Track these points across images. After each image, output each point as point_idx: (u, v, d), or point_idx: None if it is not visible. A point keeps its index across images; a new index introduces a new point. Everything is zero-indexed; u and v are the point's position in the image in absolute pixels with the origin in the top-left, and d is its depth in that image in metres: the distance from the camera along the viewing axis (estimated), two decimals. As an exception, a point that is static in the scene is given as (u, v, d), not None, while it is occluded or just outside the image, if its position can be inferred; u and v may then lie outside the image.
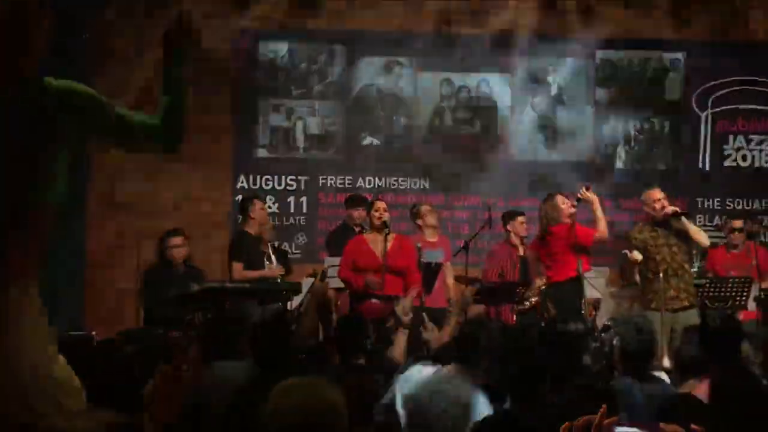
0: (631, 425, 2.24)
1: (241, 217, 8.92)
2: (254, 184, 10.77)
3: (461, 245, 8.96)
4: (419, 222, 8.82)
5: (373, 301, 7.35)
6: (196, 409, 4.26)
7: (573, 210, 8.09)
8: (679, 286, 7.75)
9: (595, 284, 8.88)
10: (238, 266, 8.40)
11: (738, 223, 9.06)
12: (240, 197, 9.90)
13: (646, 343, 4.67)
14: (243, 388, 4.12)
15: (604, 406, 2.21)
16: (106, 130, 2.81)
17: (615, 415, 2.19)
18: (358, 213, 8.78)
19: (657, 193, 8.00)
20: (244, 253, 8.51)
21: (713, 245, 8.96)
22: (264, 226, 8.66)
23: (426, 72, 11.06)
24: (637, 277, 8.02)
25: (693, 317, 7.72)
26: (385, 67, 11.04)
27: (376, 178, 10.87)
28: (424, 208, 8.89)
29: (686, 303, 7.75)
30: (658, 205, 7.88)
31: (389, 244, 7.49)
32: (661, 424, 2.31)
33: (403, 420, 4.54)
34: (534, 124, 11.19)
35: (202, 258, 8.92)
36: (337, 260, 8.00)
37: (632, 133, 11.27)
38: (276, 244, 9.36)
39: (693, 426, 2.29)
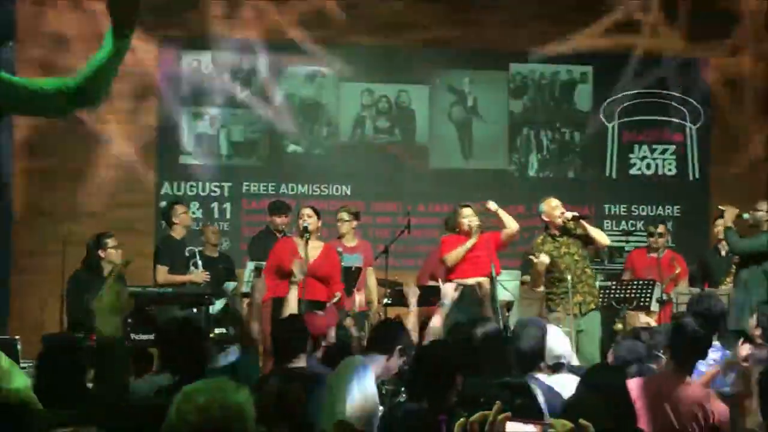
0: (524, 422, 2.30)
1: (165, 222, 9.14)
2: (179, 190, 10.91)
3: (382, 250, 9.28)
4: (339, 225, 9.02)
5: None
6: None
7: (476, 223, 8.47)
8: (584, 291, 8.18)
9: (508, 287, 9.32)
10: (162, 270, 8.66)
11: (661, 228, 9.52)
12: (164, 203, 10.08)
13: (540, 342, 4.93)
14: (152, 399, 3.94)
15: (498, 403, 2.22)
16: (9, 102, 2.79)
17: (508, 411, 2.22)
18: (281, 219, 9.08)
19: (554, 201, 8.42)
20: (169, 258, 8.73)
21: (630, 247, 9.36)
22: (189, 228, 8.89)
23: (347, 82, 11.35)
24: (542, 286, 8.35)
25: (596, 319, 8.24)
26: (307, 77, 11.29)
27: (299, 185, 11.12)
28: (342, 213, 9.09)
29: (592, 306, 8.20)
30: (557, 212, 8.28)
31: (317, 252, 7.67)
32: (551, 420, 2.41)
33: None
34: (451, 133, 11.56)
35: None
36: (259, 264, 8.19)
37: (544, 142, 11.72)
38: (219, 249, 9.66)
39: (581, 421, 2.36)
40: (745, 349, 5.19)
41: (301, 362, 5.06)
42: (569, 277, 8.02)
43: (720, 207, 8.70)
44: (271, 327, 5.66)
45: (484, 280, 8.36)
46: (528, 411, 2.53)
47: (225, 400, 2.37)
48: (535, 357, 4.88)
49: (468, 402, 2.99)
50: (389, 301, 8.95)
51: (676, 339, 4.71)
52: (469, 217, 8.50)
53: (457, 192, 10.83)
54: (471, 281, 8.28)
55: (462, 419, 2.26)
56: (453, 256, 8.35)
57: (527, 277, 9.13)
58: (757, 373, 4.26)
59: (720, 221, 8.83)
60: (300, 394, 3.93)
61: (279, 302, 7.14)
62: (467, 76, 11.57)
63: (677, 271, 9.21)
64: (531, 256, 8.30)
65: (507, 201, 11.11)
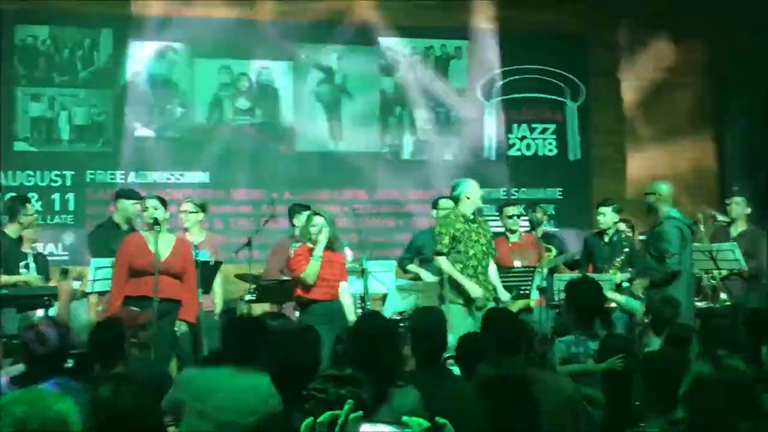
0: (379, 421, 2.27)
1: (8, 216, 8.45)
2: (14, 180, 10.23)
3: (245, 242, 8.90)
4: (183, 219, 8.52)
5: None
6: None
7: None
8: (485, 281, 7.90)
9: (383, 278, 9.02)
10: None
11: (512, 210, 9.27)
12: (11, 195, 9.30)
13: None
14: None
15: (350, 402, 2.23)
16: None
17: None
18: (132, 209, 8.48)
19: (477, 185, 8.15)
20: (2, 257, 8.11)
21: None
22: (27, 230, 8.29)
23: (202, 58, 10.89)
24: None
25: None
26: (157, 53, 10.76)
27: (150, 172, 10.58)
28: (186, 205, 8.58)
29: (489, 302, 7.87)
30: (479, 197, 8.03)
31: (170, 245, 7.22)
32: (405, 419, 2.34)
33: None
34: (318, 113, 11.21)
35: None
36: (103, 262, 7.65)
37: (418, 123, 11.48)
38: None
39: (438, 419, 2.34)
40: None
41: (122, 367, 4.88)
42: (474, 266, 7.80)
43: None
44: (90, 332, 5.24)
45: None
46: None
47: (45, 410, 2.35)
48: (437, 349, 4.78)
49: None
50: (253, 297, 8.67)
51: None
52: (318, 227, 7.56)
53: (326, 177, 10.82)
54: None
55: (309, 419, 2.26)
56: (311, 271, 7.46)
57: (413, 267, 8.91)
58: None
59: (604, 209, 8.75)
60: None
61: (132, 302, 6.78)
62: (335, 52, 11.26)
63: (553, 253, 9.07)
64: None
65: (380, 186, 11.02)
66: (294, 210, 8.99)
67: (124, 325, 5.23)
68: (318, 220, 7.55)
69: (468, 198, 7.97)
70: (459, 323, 7.28)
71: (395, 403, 3.90)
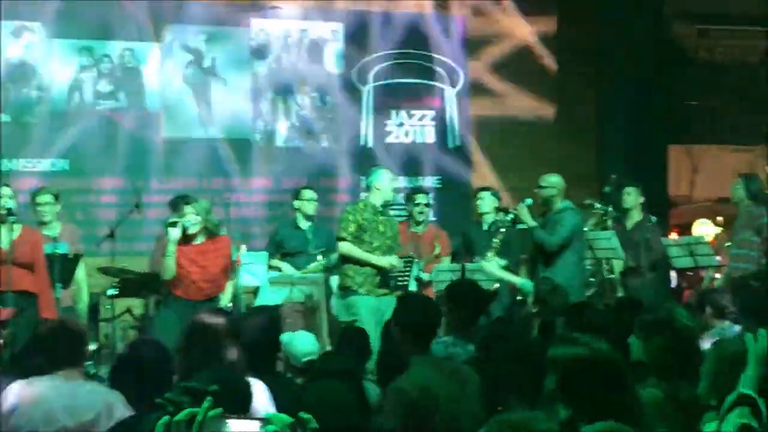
0: (239, 417, 2.29)
1: None
2: None
3: (107, 233, 8.67)
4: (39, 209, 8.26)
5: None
6: None
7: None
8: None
9: (255, 271, 8.91)
10: None
11: (421, 198, 9.22)
12: None
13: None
14: None
15: (209, 399, 2.23)
16: None
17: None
18: None
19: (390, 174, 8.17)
20: None
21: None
22: None
23: (60, 39, 10.57)
24: None
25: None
26: (12, 34, 10.37)
27: (5, 160, 10.14)
28: (43, 196, 8.29)
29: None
30: (392, 186, 8.07)
31: (15, 236, 6.96)
32: (267, 414, 2.35)
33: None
34: (187, 98, 10.98)
35: None
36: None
37: (292, 108, 11.35)
38: None
39: (301, 415, 2.34)
40: None
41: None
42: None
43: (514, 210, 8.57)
44: None
45: None
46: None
47: None
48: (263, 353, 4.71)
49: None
50: (116, 292, 8.58)
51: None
52: (189, 215, 7.38)
53: (195, 165, 10.67)
54: None
55: (165, 418, 2.26)
56: (164, 267, 7.28)
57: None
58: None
59: (482, 194, 8.82)
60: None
61: None
62: (204, 33, 11.06)
63: (436, 252, 9.02)
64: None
65: (253, 174, 10.90)
66: (176, 203, 8.70)
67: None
68: (189, 208, 7.40)
69: (377, 189, 7.96)
70: (367, 314, 7.42)
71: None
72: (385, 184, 7.97)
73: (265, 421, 2.29)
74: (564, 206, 8.19)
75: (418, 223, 9.14)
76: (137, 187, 9.75)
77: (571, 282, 7.65)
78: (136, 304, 9.14)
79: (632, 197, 9.06)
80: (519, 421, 2.52)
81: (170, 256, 7.17)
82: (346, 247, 7.79)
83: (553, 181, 8.30)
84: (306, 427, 2.36)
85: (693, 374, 3.65)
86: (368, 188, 8.07)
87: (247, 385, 3.35)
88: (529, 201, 8.30)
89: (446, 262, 8.98)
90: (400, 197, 10.40)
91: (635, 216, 9.05)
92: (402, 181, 11.38)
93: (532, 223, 8.09)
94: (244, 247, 8.66)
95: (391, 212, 8.61)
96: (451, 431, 4.05)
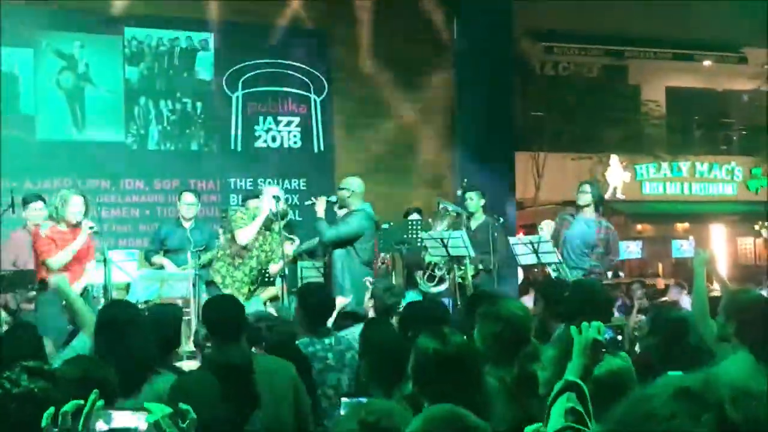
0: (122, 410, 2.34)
1: None
2: None
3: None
4: None
5: None
6: None
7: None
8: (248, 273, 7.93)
9: (126, 267, 8.78)
10: None
11: (256, 203, 9.20)
12: None
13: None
14: None
15: (96, 392, 2.25)
16: None
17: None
18: None
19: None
20: None
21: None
22: None
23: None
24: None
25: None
26: None
27: None
28: None
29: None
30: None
31: None
32: (146, 404, 2.39)
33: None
34: (61, 101, 10.73)
35: None
36: None
37: (164, 113, 11.20)
38: None
39: (181, 405, 2.40)
40: None
41: None
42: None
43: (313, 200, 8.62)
44: None
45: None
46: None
47: None
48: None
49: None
50: None
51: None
52: (79, 207, 7.49)
53: (69, 166, 10.40)
54: None
55: (51, 408, 2.25)
56: (59, 259, 7.35)
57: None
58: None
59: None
60: None
61: None
62: (78, 40, 10.83)
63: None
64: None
65: (125, 175, 10.73)
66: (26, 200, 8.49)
67: None
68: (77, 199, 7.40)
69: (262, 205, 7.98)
70: None
71: (147, 390, 3.86)
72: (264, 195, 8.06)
73: (147, 411, 2.31)
74: (358, 209, 8.28)
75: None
76: (11, 188, 9.44)
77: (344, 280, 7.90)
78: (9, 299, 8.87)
79: (475, 201, 9.16)
80: (376, 408, 2.62)
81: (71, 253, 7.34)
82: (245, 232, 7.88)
83: (350, 183, 8.42)
84: (186, 417, 2.40)
85: (526, 360, 3.77)
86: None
87: (113, 375, 3.31)
88: (333, 198, 8.43)
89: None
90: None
91: (479, 218, 9.20)
92: (270, 183, 11.37)
93: (320, 215, 8.21)
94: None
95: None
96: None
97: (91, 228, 7.52)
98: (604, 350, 3.09)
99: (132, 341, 4.07)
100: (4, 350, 3.97)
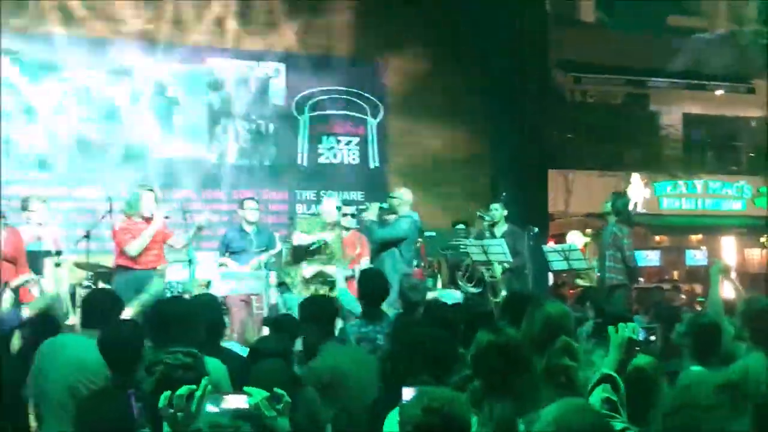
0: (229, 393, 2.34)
1: None
2: None
3: (83, 234, 8.60)
4: (25, 215, 8.17)
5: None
6: None
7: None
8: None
9: (207, 267, 8.88)
10: None
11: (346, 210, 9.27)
12: None
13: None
14: None
15: (207, 379, 2.29)
16: None
17: None
18: None
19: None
20: None
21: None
22: None
23: (47, 71, 10.33)
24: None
25: None
26: (3, 65, 10.04)
27: (-4, 171, 9.98)
28: (34, 203, 8.24)
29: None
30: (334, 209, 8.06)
31: (2, 236, 6.84)
32: (246, 389, 2.46)
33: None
34: (153, 123, 10.85)
35: None
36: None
37: (241, 133, 11.31)
38: None
39: (276, 390, 2.47)
40: None
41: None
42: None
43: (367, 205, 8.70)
44: None
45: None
46: (194, 373, 2.51)
47: None
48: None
49: (149, 373, 2.79)
50: (90, 284, 8.47)
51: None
52: (152, 202, 7.67)
53: (159, 177, 10.28)
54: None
55: (167, 393, 2.24)
56: (136, 246, 7.49)
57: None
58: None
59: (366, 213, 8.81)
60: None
61: None
62: (168, 69, 10.95)
63: (357, 251, 9.07)
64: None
65: (207, 186, 10.84)
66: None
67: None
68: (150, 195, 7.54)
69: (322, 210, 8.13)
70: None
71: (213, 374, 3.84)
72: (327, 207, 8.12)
73: (247, 394, 2.36)
74: (405, 215, 8.31)
75: (345, 230, 9.16)
76: (110, 197, 9.58)
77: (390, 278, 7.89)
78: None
79: (498, 212, 9.07)
80: (438, 395, 2.60)
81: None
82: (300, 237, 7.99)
83: (400, 193, 8.47)
84: (281, 400, 2.42)
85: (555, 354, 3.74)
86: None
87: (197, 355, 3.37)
88: (383, 204, 8.47)
89: (365, 262, 9.04)
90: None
91: (502, 226, 9.07)
92: (331, 195, 11.41)
93: (373, 219, 8.27)
94: None
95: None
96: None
97: (166, 217, 7.67)
98: (637, 348, 3.11)
99: (184, 331, 3.99)
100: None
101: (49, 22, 10.27)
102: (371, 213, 8.31)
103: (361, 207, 11.14)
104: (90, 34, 10.48)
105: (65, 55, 10.36)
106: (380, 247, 8.25)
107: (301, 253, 8.03)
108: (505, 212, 9.11)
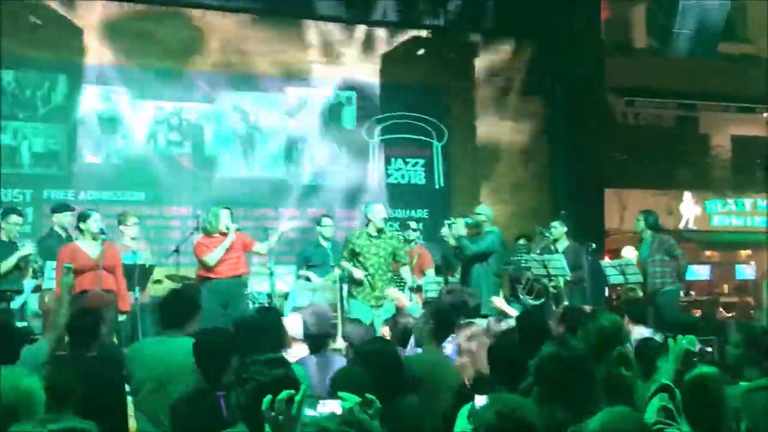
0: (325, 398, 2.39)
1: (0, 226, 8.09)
2: (-18, 196, 9.81)
3: (173, 249, 8.75)
4: (121, 229, 8.37)
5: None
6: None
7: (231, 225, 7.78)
8: (382, 287, 7.85)
9: (286, 279, 8.96)
10: None
11: (411, 224, 9.34)
12: (1, 210, 8.65)
13: (324, 326, 4.80)
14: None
15: (306, 384, 2.33)
16: None
17: None
18: (67, 219, 8.17)
19: (380, 206, 8.15)
20: None
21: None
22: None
23: (141, 100, 10.58)
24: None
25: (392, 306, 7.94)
26: (103, 95, 10.43)
27: (97, 191, 10.22)
28: (130, 219, 8.43)
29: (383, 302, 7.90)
30: (381, 216, 7.99)
31: (100, 248, 7.01)
32: (341, 394, 2.41)
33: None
34: (236, 146, 11.01)
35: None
36: (53, 264, 7.35)
37: (316, 155, 11.37)
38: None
39: (368, 396, 2.39)
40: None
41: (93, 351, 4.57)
42: (370, 272, 7.82)
43: (448, 221, 8.66)
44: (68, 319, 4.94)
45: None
46: (287, 382, 2.50)
47: (16, 384, 2.23)
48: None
49: (240, 379, 2.77)
50: None
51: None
52: (226, 219, 7.75)
53: (240, 198, 10.50)
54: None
55: (268, 397, 2.26)
56: (213, 257, 7.60)
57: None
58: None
59: (446, 230, 8.71)
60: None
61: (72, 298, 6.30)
62: (249, 97, 11.11)
63: (415, 260, 9.03)
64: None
65: (284, 205, 10.94)
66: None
67: (100, 311, 4.88)
68: (226, 213, 7.67)
69: (370, 219, 7.99)
70: (358, 313, 7.34)
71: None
72: (375, 215, 8.00)
73: (341, 399, 2.36)
74: (490, 230, 8.33)
75: (408, 242, 9.12)
76: (197, 214, 9.76)
77: (484, 289, 7.77)
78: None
79: (558, 230, 9.03)
80: (510, 401, 2.59)
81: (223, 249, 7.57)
82: (342, 264, 7.99)
83: (485, 210, 8.51)
84: (372, 405, 2.40)
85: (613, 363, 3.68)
86: (366, 219, 8.11)
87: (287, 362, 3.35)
88: (468, 220, 8.43)
89: (430, 274, 9.01)
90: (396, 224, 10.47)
91: (563, 242, 9.03)
92: (398, 213, 11.43)
93: (462, 233, 8.27)
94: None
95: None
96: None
97: (238, 229, 7.73)
98: (695, 359, 3.03)
99: (268, 341, 4.05)
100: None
101: (145, 55, 10.54)
102: (459, 228, 8.32)
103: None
104: (181, 67, 10.71)
105: (159, 86, 10.60)
106: (471, 261, 8.26)
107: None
108: (565, 229, 9.03)
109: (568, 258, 8.57)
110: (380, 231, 7.96)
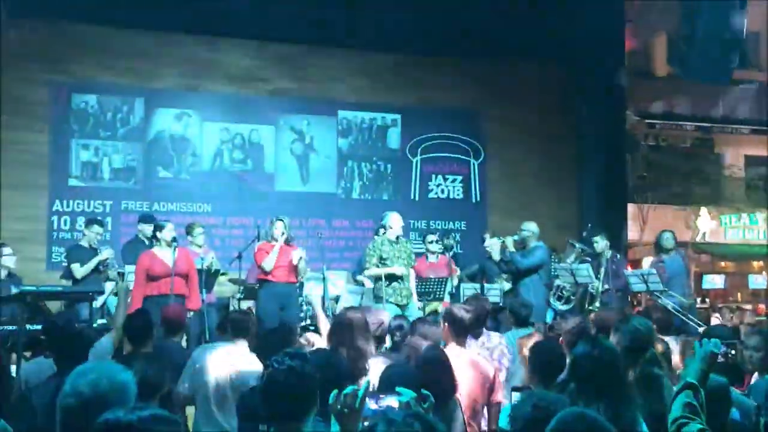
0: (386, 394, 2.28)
1: (84, 234, 8.37)
2: (67, 207, 10.07)
3: (236, 256, 8.86)
4: (189, 238, 8.47)
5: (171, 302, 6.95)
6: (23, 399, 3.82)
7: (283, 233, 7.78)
8: (406, 286, 7.92)
9: (337, 284, 9.01)
10: (76, 266, 8.07)
11: (431, 237, 9.22)
12: (85, 220, 9.17)
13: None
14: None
15: (368, 379, 2.34)
16: None
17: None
18: (149, 228, 8.36)
19: (398, 215, 8.16)
20: (78, 258, 8.12)
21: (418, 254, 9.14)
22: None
23: (209, 122, 10.76)
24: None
25: (416, 308, 7.96)
26: (176, 117, 10.64)
27: (169, 203, 10.42)
28: (196, 229, 8.55)
29: (407, 300, 7.92)
30: (397, 224, 8.01)
31: (176, 255, 7.13)
32: (398, 389, 2.39)
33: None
34: (292, 164, 11.14)
35: (18, 268, 8.23)
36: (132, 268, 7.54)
37: (364, 172, 11.47)
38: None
39: (424, 391, 2.41)
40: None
41: (148, 347, 4.69)
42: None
43: (488, 239, 8.65)
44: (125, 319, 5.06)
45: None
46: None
47: (112, 377, 2.23)
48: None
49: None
50: (242, 296, 8.68)
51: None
52: (281, 229, 7.79)
53: (296, 210, 10.60)
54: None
55: (335, 390, 2.25)
56: (268, 261, 7.65)
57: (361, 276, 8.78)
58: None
59: (489, 241, 8.72)
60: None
61: (149, 299, 6.77)
62: (305, 119, 11.21)
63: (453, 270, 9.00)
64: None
65: (335, 217, 11.01)
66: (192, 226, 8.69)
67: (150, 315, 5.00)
68: (280, 223, 7.70)
69: (391, 228, 7.99)
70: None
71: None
72: (395, 223, 7.99)
73: (398, 394, 2.34)
74: (537, 245, 8.30)
75: (432, 253, 8.94)
76: (257, 225, 9.83)
77: (535, 299, 7.74)
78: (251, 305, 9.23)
79: (601, 243, 9.00)
80: (545, 396, 2.60)
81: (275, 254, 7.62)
82: (373, 270, 7.89)
83: (530, 227, 8.44)
84: (427, 399, 2.41)
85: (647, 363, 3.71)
86: (384, 227, 8.07)
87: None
88: (515, 237, 8.42)
89: (456, 280, 8.97)
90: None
91: (607, 254, 8.97)
92: (438, 224, 11.42)
93: (512, 249, 8.25)
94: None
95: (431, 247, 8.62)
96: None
97: (286, 241, 7.75)
98: (720, 359, 3.03)
99: (355, 338, 4.04)
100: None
101: (213, 82, 10.74)
102: (510, 245, 8.30)
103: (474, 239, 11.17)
104: (245, 92, 10.86)
105: (225, 109, 10.77)
106: (523, 274, 8.24)
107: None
108: (607, 242, 8.97)
109: (608, 267, 8.56)
110: (398, 237, 7.97)
